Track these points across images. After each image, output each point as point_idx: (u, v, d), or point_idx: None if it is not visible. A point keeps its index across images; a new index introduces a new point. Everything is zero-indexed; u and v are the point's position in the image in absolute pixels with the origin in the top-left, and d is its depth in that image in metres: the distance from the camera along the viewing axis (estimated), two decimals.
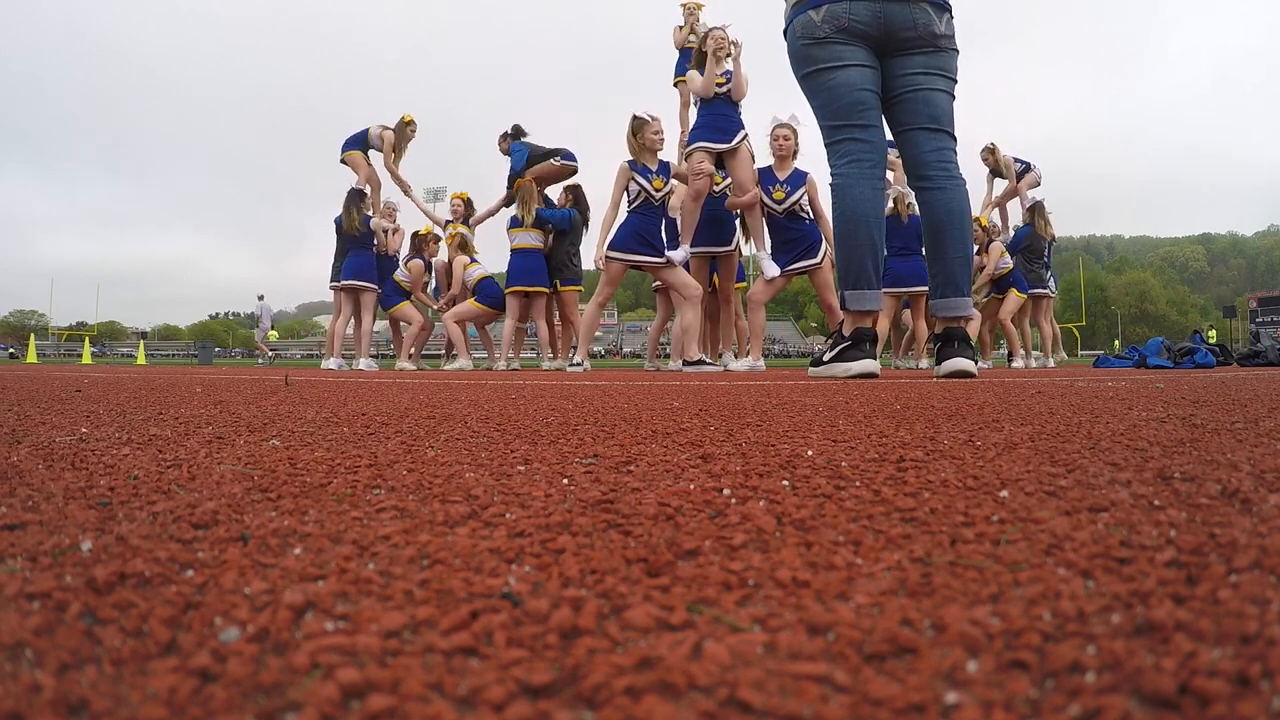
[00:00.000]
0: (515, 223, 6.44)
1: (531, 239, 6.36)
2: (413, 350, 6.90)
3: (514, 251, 6.40)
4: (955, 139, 3.01)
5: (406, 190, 7.06)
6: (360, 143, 7.08)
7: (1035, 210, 7.05)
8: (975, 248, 7.02)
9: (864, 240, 2.92)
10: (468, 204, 7.10)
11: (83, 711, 0.21)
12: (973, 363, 2.84)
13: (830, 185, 3.01)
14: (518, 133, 6.85)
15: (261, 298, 15.27)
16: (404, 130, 7.07)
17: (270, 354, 14.53)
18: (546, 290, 6.44)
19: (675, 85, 6.53)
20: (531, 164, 6.59)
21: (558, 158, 6.67)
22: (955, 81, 3.00)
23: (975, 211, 7.42)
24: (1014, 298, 6.81)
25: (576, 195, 6.66)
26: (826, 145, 3.02)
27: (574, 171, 6.76)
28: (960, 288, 2.97)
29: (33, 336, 17.93)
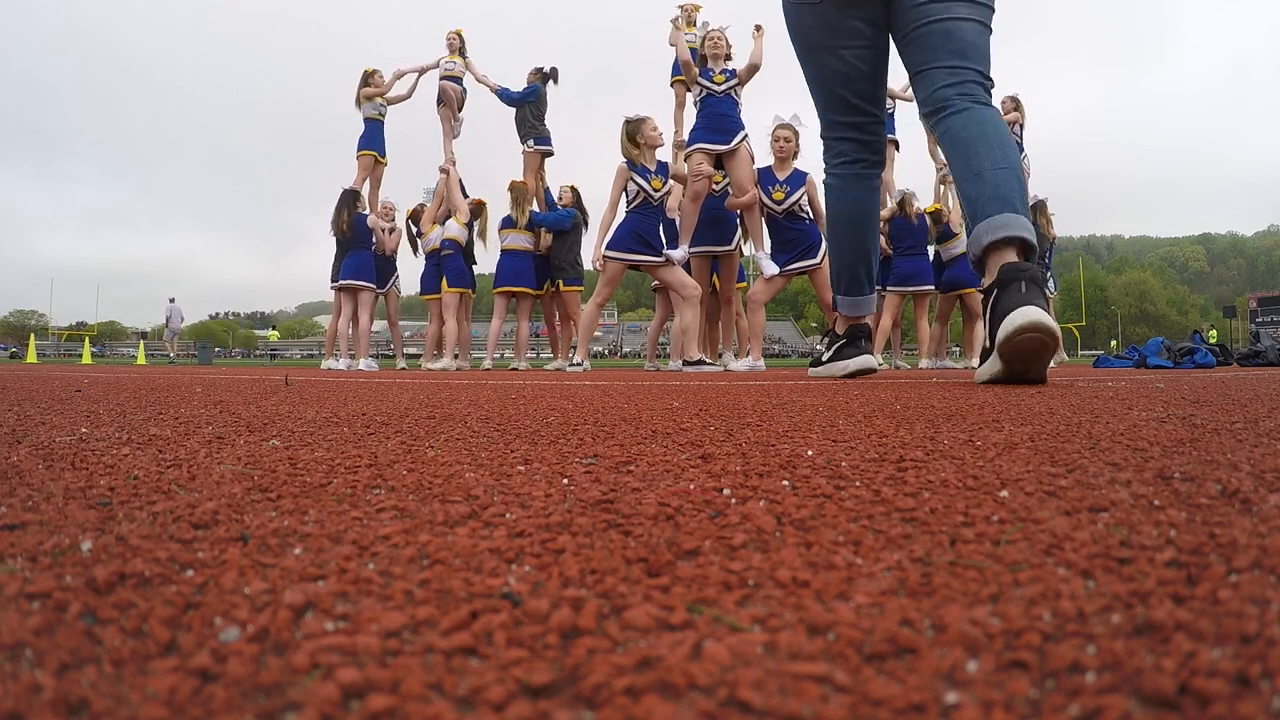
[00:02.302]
0: (507, 223, 6.44)
1: (523, 240, 6.36)
2: (437, 351, 6.86)
3: (504, 252, 6.40)
4: (990, 79, 2.27)
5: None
6: (375, 142, 7.11)
7: (1038, 209, 7.00)
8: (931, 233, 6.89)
9: (855, 246, 2.78)
10: (463, 39, 7.17)
11: (83, 711, 0.21)
12: (1051, 335, 1.75)
13: (823, 184, 2.84)
14: (547, 78, 6.89)
15: (173, 300, 16.87)
16: (370, 81, 7.17)
17: (174, 355, 16.52)
18: (532, 292, 6.43)
19: (672, 85, 6.54)
20: (521, 112, 6.65)
21: (532, 141, 6.69)
22: (990, 9, 2.29)
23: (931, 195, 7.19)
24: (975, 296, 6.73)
25: (577, 194, 6.67)
26: (822, 137, 2.80)
27: (549, 155, 6.81)
28: (1011, 201, 2.02)
29: (33, 336, 17.95)
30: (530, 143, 6.71)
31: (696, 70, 5.04)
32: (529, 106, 6.72)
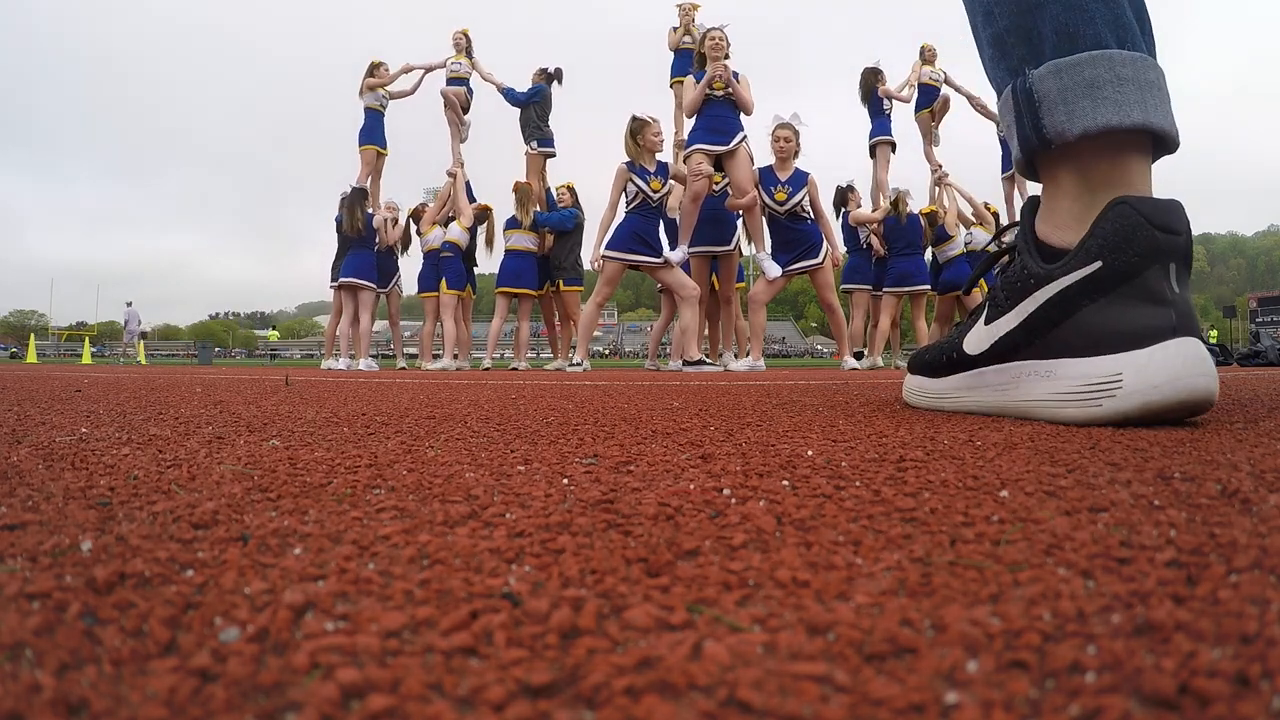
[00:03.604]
0: (512, 223, 6.46)
1: (526, 241, 6.37)
2: (438, 352, 6.87)
3: (507, 252, 6.42)
4: None
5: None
6: (376, 134, 7.11)
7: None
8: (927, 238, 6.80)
9: None
10: (469, 39, 7.17)
11: (83, 711, 0.21)
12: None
13: None
14: (552, 78, 6.90)
15: (130, 304, 17.24)
16: (375, 72, 7.17)
17: (132, 355, 16.69)
18: (533, 292, 6.45)
19: (671, 86, 6.54)
20: (526, 113, 6.66)
21: (535, 143, 6.70)
22: None
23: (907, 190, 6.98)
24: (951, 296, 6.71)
25: (574, 193, 6.69)
26: None
27: (551, 156, 6.82)
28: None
29: (33, 336, 17.99)
30: (534, 144, 6.73)
31: (696, 87, 5.03)
32: (534, 107, 6.72)
